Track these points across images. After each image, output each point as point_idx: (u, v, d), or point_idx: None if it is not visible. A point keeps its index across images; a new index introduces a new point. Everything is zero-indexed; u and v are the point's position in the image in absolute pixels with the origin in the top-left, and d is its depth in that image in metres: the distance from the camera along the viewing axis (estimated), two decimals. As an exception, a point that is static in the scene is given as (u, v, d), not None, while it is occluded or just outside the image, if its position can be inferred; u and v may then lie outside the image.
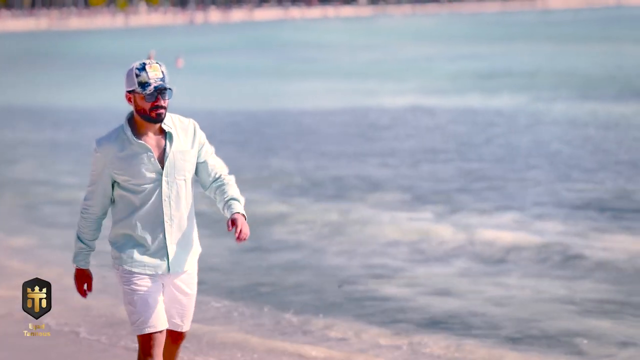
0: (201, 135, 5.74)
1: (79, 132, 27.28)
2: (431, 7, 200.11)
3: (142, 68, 5.54)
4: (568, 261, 11.69)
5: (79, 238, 5.77)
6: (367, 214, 14.76)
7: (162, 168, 5.59)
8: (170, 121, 5.67)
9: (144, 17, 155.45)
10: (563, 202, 15.07)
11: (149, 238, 5.62)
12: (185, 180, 5.64)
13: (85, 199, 5.75)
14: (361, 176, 18.17)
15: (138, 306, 5.58)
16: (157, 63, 5.57)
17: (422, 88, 36.76)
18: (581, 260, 11.63)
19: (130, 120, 5.66)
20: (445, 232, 13.22)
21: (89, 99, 37.74)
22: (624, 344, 8.68)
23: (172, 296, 5.72)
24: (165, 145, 5.61)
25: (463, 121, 26.65)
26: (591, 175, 17.55)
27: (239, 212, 5.61)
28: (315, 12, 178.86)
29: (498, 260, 11.88)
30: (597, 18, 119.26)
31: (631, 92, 32.82)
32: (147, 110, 5.54)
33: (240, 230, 5.52)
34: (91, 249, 5.78)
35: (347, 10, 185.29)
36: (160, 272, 5.63)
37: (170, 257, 5.63)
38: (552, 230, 13.13)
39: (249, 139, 24.23)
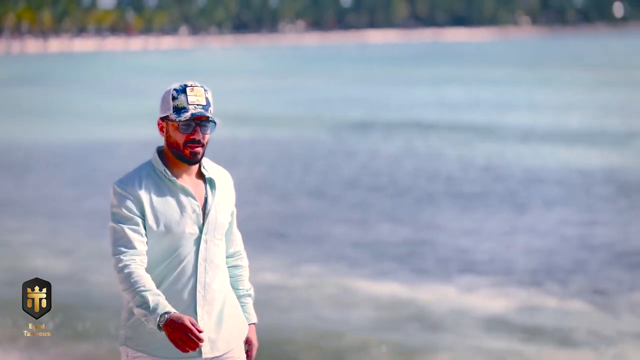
0: (234, 194, 4.59)
1: None
2: (252, 38, 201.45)
3: (182, 90, 4.35)
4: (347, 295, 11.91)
5: (140, 291, 4.17)
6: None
7: (203, 223, 4.38)
8: (208, 166, 4.49)
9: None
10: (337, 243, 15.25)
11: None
12: (222, 240, 4.47)
13: (119, 255, 4.25)
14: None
15: None
16: (201, 87, 4.38)
17: (237, 121, 36.77)
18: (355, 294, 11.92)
19: (161, 155, 4.43)
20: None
21: None
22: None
23: None
24: (206, 194, 4.41)
25: (270, 155, 26.74)
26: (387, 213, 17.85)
27: (253, 324, 4.65)
28: (136, 43, 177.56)
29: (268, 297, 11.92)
30: (415, 53, 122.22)
31: (443, 127, 33.59)
32: (180, 145, 4.33)
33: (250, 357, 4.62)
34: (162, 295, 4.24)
35: (167, 41, 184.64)
36: (191, 357, 4.37)
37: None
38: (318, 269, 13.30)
39: (56, 175, 23.68)
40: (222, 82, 60.90)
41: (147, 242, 4.30)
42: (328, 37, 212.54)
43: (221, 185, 4.48)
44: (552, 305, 11.47)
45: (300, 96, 50.16)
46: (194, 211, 4.34)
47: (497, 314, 11.11)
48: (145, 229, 4.30)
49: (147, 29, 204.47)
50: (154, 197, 4.31)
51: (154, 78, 68.22)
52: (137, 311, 4.18)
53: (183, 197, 4.34)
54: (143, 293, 4.17)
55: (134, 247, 4.25)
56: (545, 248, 14.45)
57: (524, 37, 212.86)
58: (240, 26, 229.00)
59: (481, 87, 54.05)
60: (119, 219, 4.28)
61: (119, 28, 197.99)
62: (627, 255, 13.86)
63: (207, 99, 4.37)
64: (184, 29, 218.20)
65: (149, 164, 4.39)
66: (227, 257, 4.60)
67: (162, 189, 4.34)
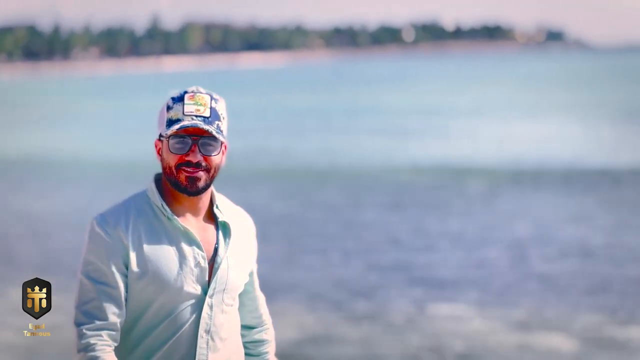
0: (256, 247, 3.54)
1: None
2: (44, 66, 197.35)
3: (180, 98, 3.27)
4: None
5: None
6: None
7: (209, 282, 3.30)
8: (224, 206, 3.41)
9: None
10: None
11: None
12: (233, 305, 3.38)
13: (82, 326, 3.20)
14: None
15: None
16: (207, 94, 3.29)
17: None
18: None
19: (159, 185, 3.36)
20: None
21: None
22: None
23: None
24: (217, 243, 3.34)
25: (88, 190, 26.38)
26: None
27: None
28: None
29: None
30: (209, 80, 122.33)
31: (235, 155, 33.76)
32: (172, 169, 3.26)
33: None
34: None
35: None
36: None
37: None
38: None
39: None
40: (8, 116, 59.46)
41: (127, 304, 3.25)
42: (123, 64, 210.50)
43: (239, 233, 3.40)
44: (344, 331, 11.67)
45: (95, 130, 49.48)
46: (197, 264, 3.27)
47: (292, 342, 11.14)
48: (126, 286, 3.23)
49: None
50: (145, 239, 3.24)
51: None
52: None
53: (184, 244, 3.27)
54: None
55: (103, 317, 3.21)
56: (347, 276, 14.65)
57: (317, 61, 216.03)
58: (31, 55, 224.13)
59: (272, 114, 54.47)
60: (91, 272, 3.23)
61: None
62: (422, 276, 14.21)
63: (213, 109, 3.28)
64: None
65: (143, 195, 3.33)
66: (246, 329, 3.59)
67: (157, 229, 3.26)
